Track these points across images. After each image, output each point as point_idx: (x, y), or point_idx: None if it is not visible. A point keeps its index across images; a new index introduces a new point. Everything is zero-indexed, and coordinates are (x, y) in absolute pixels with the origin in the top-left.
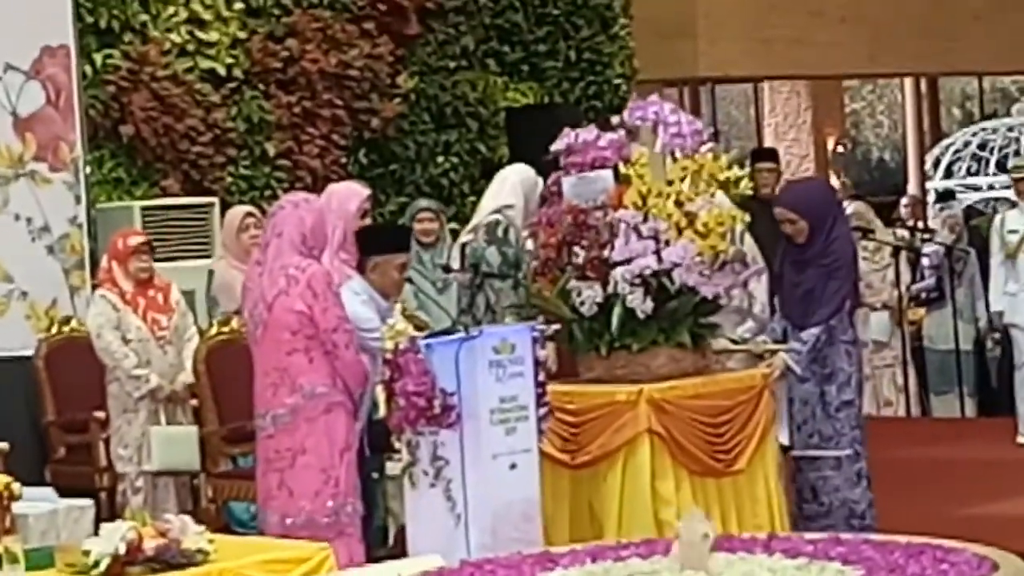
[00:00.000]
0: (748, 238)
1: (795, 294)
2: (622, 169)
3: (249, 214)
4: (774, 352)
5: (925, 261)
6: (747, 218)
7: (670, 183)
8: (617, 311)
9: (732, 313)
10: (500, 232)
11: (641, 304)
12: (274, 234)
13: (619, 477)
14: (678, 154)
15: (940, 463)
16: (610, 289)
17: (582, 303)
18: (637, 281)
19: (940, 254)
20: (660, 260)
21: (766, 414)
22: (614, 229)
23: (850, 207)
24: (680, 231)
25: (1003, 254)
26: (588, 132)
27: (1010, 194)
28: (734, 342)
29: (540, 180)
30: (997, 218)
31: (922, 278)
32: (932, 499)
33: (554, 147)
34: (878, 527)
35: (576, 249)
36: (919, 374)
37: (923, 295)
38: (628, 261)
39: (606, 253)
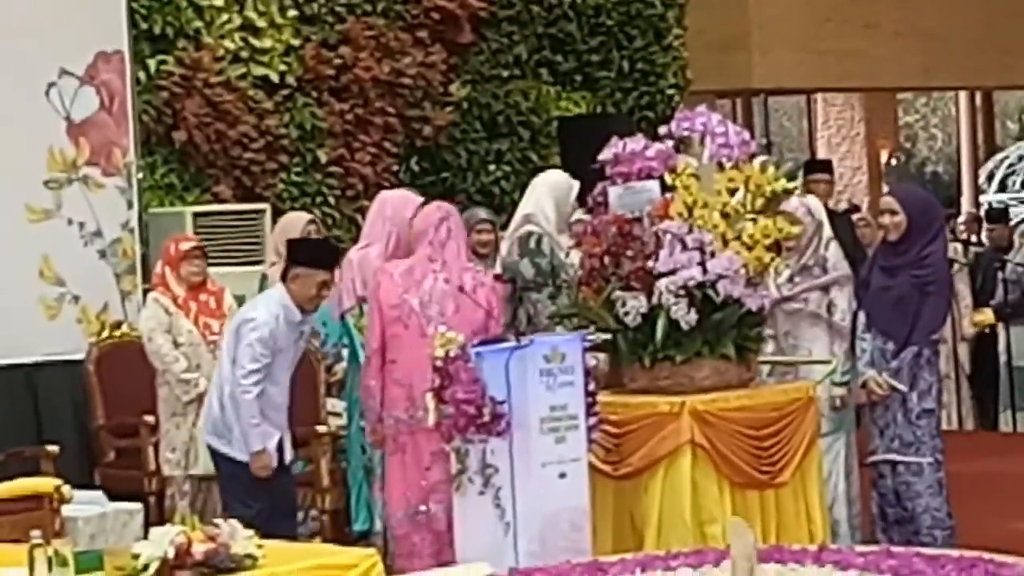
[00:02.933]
0: (834, 245)
1: (884, 300)
2: (668, 180)
3: (311, 221)
4: (824, 362)
5: (1000, 275)
6: (796, 231)
7: (717, 194)
8: (661, 322)
9: (807, 318)
10: (532, 244)
11: (685, 315)
12: (450, 236)
13: (659, 488)
14: (726, 165)
15: (1003, 477)
16: (655, 300)
17: (626, 313)
18: (682, 292)
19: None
20: (705, 271)
21: (812, 427)
22: (659, 240)
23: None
24: (726, 243)
25: None
26: (635, 142)
27: None
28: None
29: (575, 184)
30: None
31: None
32: (997, 512)
33: (601, 156)
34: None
35: (621, 260)
36: (986, 388)
37: (1007, 311)
38: (673, 272)
39: (651, 264)
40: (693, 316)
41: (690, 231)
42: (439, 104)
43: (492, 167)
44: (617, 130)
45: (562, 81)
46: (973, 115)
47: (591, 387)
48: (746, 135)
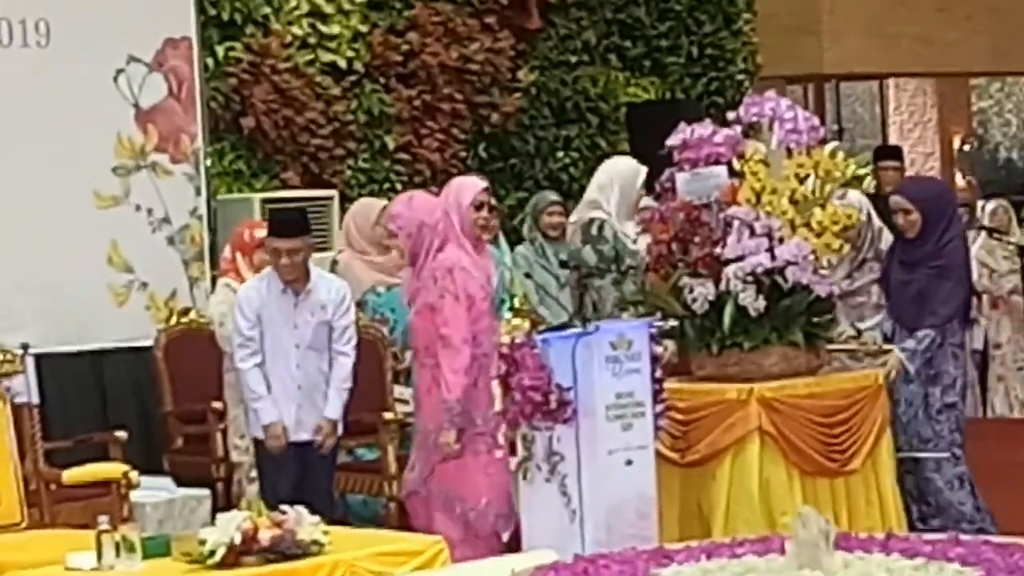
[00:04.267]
0: (886, 235)
1: (905, 294)
2: (736, 165)
3: (386, 207)
4: (887, 352)
5: None
6: (862, 218)
7: (785, 180)
8: (729, 309)
9: (872, 309)
10: (594, 230)
11: (753, 302)
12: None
13: (727, 476)
14: (794, 151)
15: None
16: (722, 287)
17: (694, 300)
18: (750, 279)
19: None
20: (773, 258)
21: (882, 414)
22: (727, 226)
23: (989, 205)
24: (794, 229)
25: None
26: (703, 128)
27: None
28: (854, 339)
29: (642, 171)
30: None
31: None
32: None
33: (669, 142)
34: (999, 530)
35: (689, 246)
36: None
37: None
38: (741, 258)
39: (719, 250)
40: (761, 303)
41: (758, 217)
42: (507, 90)
43: (560, 154)
44: (686, 116)
45: (631, 67)
46: None
47: (658, 374)
48: (815, 120)
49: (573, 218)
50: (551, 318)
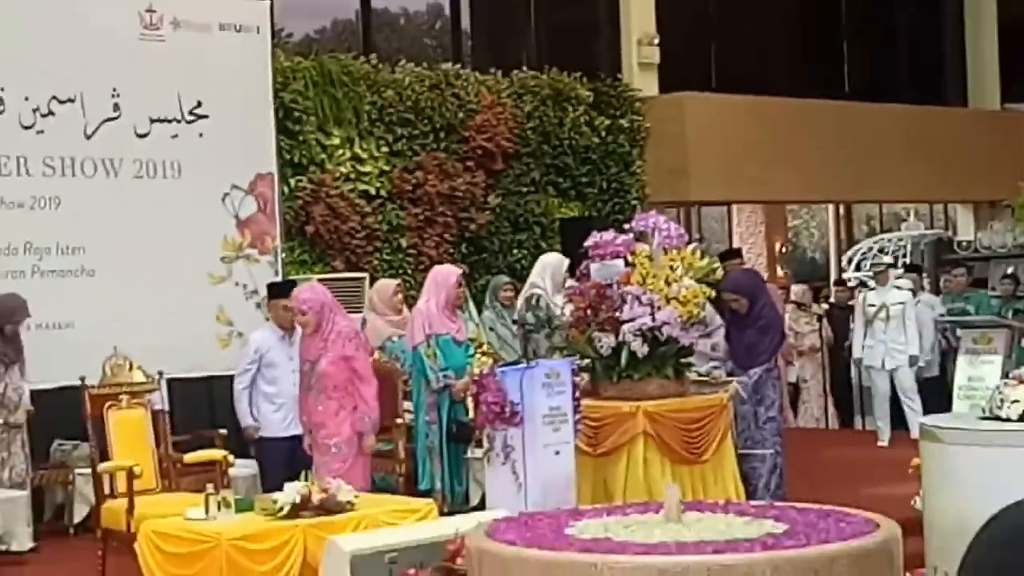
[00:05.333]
0: (709, 307)
1: (741, 346)
2: (630, 259)
3: (398, 285)
4: (728, 383)
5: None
6: (712, 293)
7: (662, 269)
8: (625, 353)
9: (700, 355)
10: (534, 301)
11: (640, 348)
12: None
13: (625, 463)
14: (668, 250)
15: (845, 461)
16: (620, 338)
17: (601, 347)
18: (638, 333)
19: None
20: (654, 319)
21: (724, 423)
22: (624, 298)
23: (797, 288)
24: (668, 300)
25: (864, 319)
26: (608, 234)
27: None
28: (701, 375)
29: (566, 261)
30: (860, 296)
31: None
32: (839, 483)
33: (586, 243)
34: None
35: (598, 311)
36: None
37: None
38: (632, 320)
39: (618, 314)
40: (645, 349)
41: (644, 293)
42: (481, 209)
43: (515, 251)
44: (597, 228)
45: (562, 195)
46: (838, 219)
47: (576, 395)
48: (682, 231)
49: (521, 294)
50: (507, 358)
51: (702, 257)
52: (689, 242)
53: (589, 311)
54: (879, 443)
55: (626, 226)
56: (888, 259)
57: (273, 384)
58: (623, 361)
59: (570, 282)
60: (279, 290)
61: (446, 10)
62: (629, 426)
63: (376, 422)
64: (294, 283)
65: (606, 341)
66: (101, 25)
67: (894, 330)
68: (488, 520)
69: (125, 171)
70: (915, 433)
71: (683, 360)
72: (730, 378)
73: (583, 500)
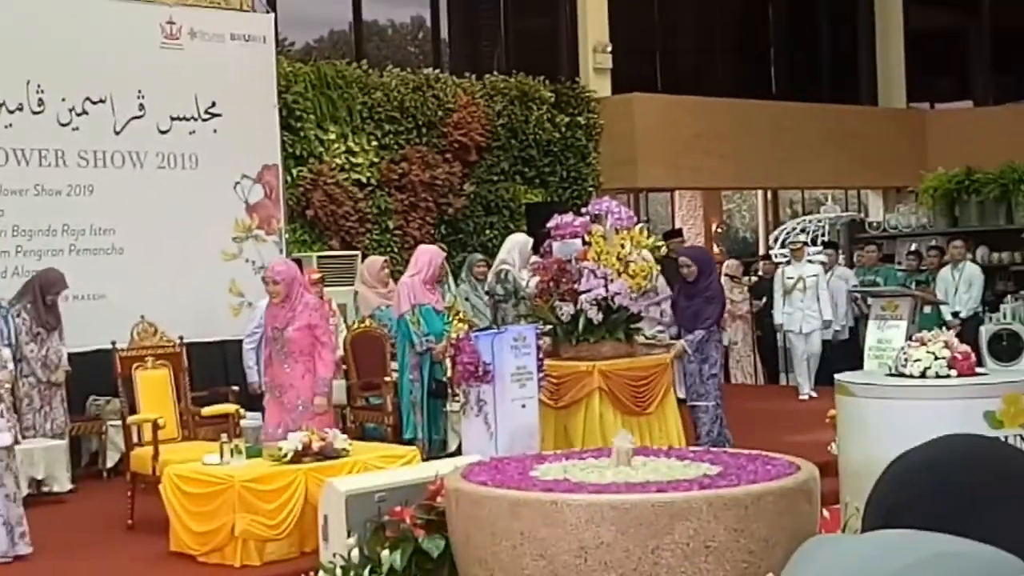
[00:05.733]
0: (661, 279)
1: (687, 312)
2: (587, 238)
3: (385, 262)
4: (672, 344)
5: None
6: (658, 268)
7: (615, 246)
8: (582, 320)
9: (650, 320)
10: (503, 276)
11: (596, 316)
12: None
13: (583, 414)
14: (620, 230)
15: (770, 412)
16: (578, 307)
17: (562, 314)
18: (593, 302)
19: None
20: (607, 290)
21: (667, 380)
22: (582, 272)
23: (731, 263)
24: (619, 274)
25: (783, 290)
26: (568, 216)
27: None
28: (648, 338)
29: (530, 240)
30: (779, 270)
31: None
32: (766, 431)
33: (548, 224)
34: (734, 446)
35: (560, 284)
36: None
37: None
38: (589, 291)
39: (576, 286)
40: (600, 316)
41: (599, 268)
42: (457, 195)
43: (487, 232)
44: (559, 211)
45: (528, 182)
46: (766, 203)
47: (540, 356)
48: (632, 214)
49: (492, 268)
50: (480, 324)
51: (648, 236)
52: (637, 223)
53: (552, 283)
54: (800, 396)
55: (583, 210)
56: (803, 238)
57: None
58: (580, 326)
59: (534, 258)
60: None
61: (428, 22)
62: (586, 382)
63: (328, 383)
64: (299, 262)
65: (566, 309)
66: (128, 36)
67: (809, 299)
68: (463, 464)
69: (149, 163)
70: (805, 387)
71: (632, 325)
72: (675, 340)
73: (547, 446)
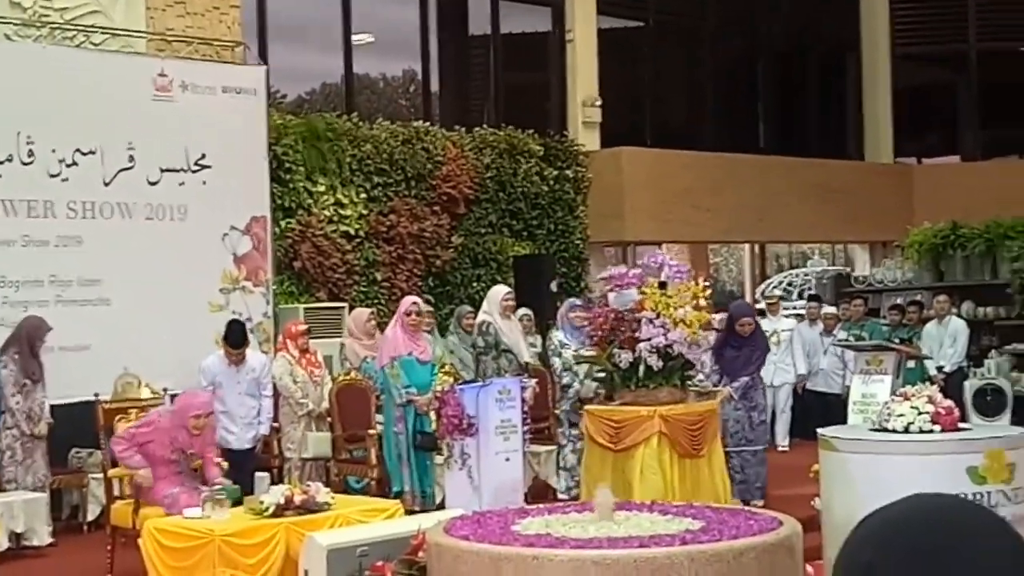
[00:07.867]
0: None
1: (736, 361)
2: (643, 289)
3: (372, 313)
4: (715, 391)
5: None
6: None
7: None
8: (642, 366)
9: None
10: (483, 328)
11: (655, 363)
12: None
13: (640, 458)
14: (676, 283)
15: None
16: (636, 354)
17: (620, 361)
18: (652, 350)
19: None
20: (666, 339)
21: (716, 424)
22: (640, 321)
23: (718, 316)
24: (676, 324)
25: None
26: (621, 268)
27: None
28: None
29: (503, 289)
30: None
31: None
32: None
33: (600, 276)
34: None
35: (616, 332)
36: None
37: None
38: (648, 339)
39: (636, 335)
40: (659, 363)
41: (657, 317)
42: (445, 247)
43: (475, 284)
44: (546, 265)
45: (515, 235)
46: (753, 257)
47: (525, 409)
48: (687, 266)
49: (476, 321)
50: (468, 377)
51: (710, 294)
52: (696, 279)
53: (610, 332)
54: (779, 448)
55: (638, 262)
56: (778, 292)
57: (221, 403)
58: (641, 372)
59: (577, 312)
60: (237, 338)
61: (418, 75)
62: (647, 426)
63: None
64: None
65: (624, 356)
66: (119, 87)
67: (783, 352)
68: (446, 518)
69: (138, 214)
70: (781, 440)
71: (687, 372)
72: (716, 388)
73: (608, 488)
